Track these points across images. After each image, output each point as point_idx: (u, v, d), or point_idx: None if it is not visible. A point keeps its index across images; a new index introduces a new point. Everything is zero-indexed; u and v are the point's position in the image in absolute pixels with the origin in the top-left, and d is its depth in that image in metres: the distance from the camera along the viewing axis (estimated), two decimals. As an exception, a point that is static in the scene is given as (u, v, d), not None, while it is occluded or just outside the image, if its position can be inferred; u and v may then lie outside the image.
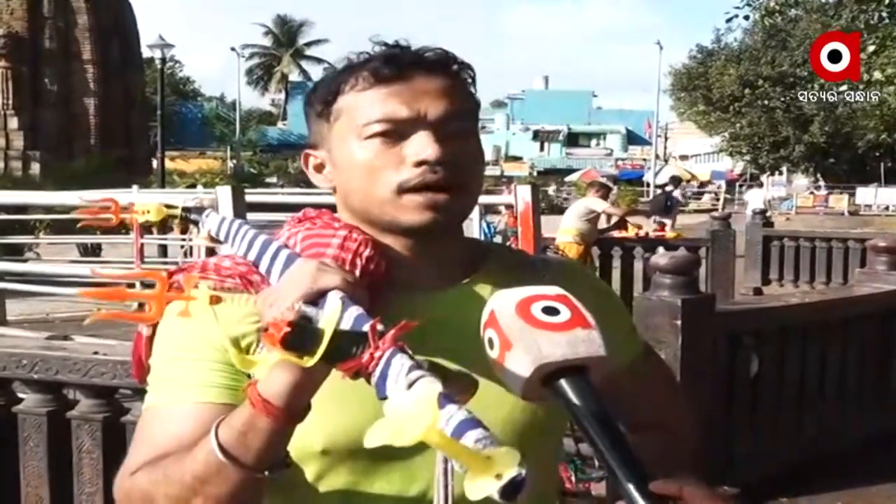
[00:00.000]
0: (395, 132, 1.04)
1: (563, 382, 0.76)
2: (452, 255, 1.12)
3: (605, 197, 9.85)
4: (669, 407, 1.34)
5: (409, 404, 0.67)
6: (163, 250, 12.29)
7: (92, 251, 13.53)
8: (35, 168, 26.80)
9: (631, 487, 0.72)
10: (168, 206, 1.42)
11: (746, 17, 15.20)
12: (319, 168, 1.13)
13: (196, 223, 1.36)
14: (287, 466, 0.93)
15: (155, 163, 28.81)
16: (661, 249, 8.65)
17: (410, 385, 0.71)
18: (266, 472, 0.90)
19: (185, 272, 1.06)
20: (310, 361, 0.78)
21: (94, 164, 24.63)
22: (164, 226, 12.46)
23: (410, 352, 0.76)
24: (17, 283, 8.40)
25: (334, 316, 0.80)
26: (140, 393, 2.81)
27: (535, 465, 0.63)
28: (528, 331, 0.77)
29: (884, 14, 13.75)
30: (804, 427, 4.70)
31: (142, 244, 9.57)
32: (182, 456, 0.93)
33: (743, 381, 4.34)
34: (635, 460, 0.73)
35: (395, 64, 1.05)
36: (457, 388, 0.72)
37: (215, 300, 0.94)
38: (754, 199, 22.01)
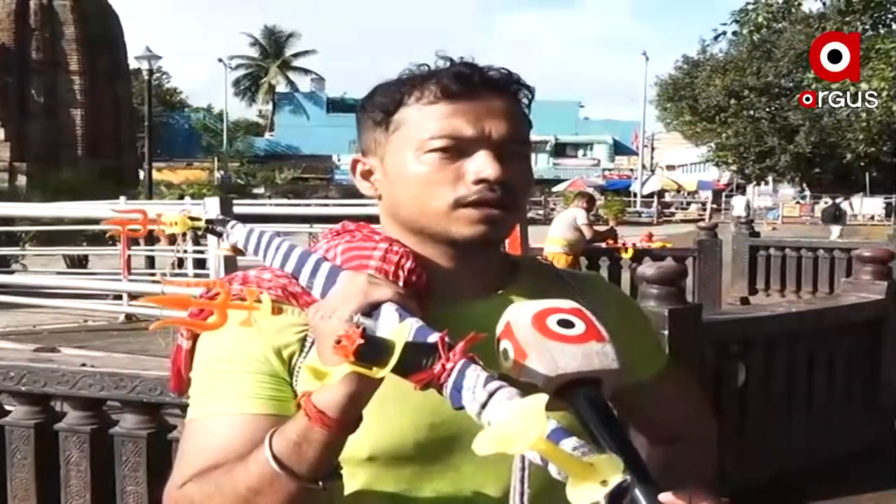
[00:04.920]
0: (456, 149, 1.05)
1: (576, 393, 0.76)
2: (490, 267, 1.14)
3: (590, 208, 9.89)
4: (693, 421, 1.35)
5: (517, 414, 0.67)
6: (150, 262, 12.27)
7: (79, 263, 13.47)
8: (21, 179, 26.65)
9: (642, 500, 0.72)
10: (192, 219, 1.42)
11: (735, 34, 15.28)
12: (367, 175, 1.14)
13: (220, 235, 1.36)
14: (339, 477, 0.95)
15: (142, 174, 28.76)
16: (648, 259, 8.69)
17: (491, 395, 0.72)
18: (319, 483, 0.91)
19: (227, 284, 1.07)
20: (381, 373, 0.78)
21: (82, 176, 24.52)
22: (151, 237, 12.44)
23: (482, 363, 0.77)
24: (3, 295, 8.37)
25: (404, 328, 0.81)
26: (127, 405, 2.81)
27: None
28: (543, 342, 0.78)
29: (867, 26, 13.86)
30: (792, 436, 4.71)
31: (129, 256, 9.57)
32: (233, 467, 0.94)
33: (730, 391, 4.35)
34: (647, 472, 0.73)
35: (463, 81, 1.06)
36: None
37: (277, 311, 0.95)
38: (738, 205, 22.39)
